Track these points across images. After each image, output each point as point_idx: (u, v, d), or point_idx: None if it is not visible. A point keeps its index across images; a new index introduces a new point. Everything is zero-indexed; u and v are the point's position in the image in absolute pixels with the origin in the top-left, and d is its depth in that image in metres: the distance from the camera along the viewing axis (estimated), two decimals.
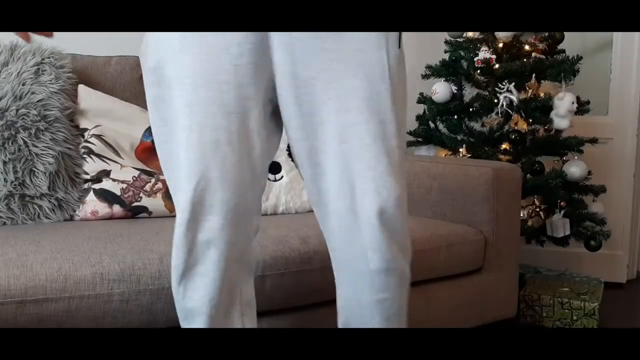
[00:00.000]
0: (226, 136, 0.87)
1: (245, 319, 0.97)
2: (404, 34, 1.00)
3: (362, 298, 0.98)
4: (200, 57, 0.85)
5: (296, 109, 0.91)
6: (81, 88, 1.63)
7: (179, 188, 0.89)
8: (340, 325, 1.06)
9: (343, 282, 1.01)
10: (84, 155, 1.55)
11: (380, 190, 0.90)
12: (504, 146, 2.18)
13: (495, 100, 2.17)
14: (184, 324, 0.95)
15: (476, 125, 2.29)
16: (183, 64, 0.86)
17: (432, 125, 2.38)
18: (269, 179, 1.68)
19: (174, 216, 1.55)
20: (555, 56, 2.27)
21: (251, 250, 0.98)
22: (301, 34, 0.88)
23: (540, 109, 2.15)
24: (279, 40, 0.88)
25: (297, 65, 0.89)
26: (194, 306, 0.90)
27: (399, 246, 0.95)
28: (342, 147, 0.91)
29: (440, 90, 2.27)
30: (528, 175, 2.15)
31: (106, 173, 1.55)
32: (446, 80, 2.34)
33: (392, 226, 0.92)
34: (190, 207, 0.86)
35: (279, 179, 1.70)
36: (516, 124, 2.17)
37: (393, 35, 0.94)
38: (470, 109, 2.26)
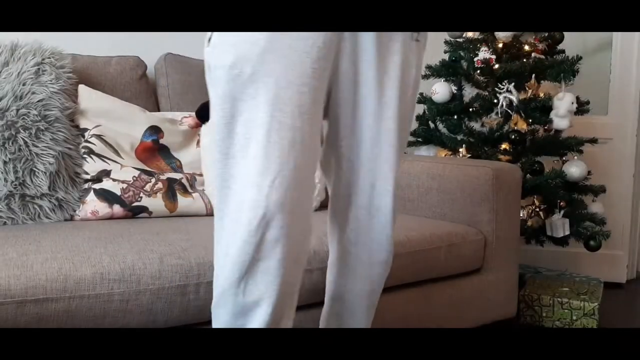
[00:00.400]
0: (300, 136, 0.90)
1: (287, 322, 0.99)
2: None
3: (355, 287, 1.11)
4: (284, 59, 0.89)
5: (347, 111, 1.01)
6: (81, 88, 1.63)
7: (248, 184, 0.89)
8: (325, 312, 1.17)
9: (340, 271, 1.12)
10: (84, 155, 1.55)
11: (394, 191, 1.04)
12: (503, 146, 2.18)
13: (495, 101, 2.17)
14: (237, 322, 0.94)
15: (476, 126, 2.29)
16: (267, 64, 0.88)
17: (432, 125, 2.38)
18: None
19: (174, 216, 1.56)
20: (555, 56, 2.27)
21: (305, 253, 1.01)
22: (366, 45, 0.96)
23: (540, 109, 2.15)
24: (349, 49, 0.96)
25: (357, 72, 0.98)
26: (255, 301, 0.92)
27: (393, 241, 1.10)
28: (374, 150, 1.02)
29: (440, 90, 2.27)
30: (528, 175, 2.15)
31: (106, 173, 1.55)
32: (446, 81, 2.34)
33: (394, 222, 1.07)
34: (265, 203, 0.88)
35: None
36: (516, 124, 2.17)
37: (423, 53, 1.06)
38: (470, 109, 2.26)
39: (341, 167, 1.06)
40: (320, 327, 1.20)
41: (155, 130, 1.66)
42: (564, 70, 2.14)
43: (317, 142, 0.96)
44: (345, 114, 1.01)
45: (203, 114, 1.71)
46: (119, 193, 1.51)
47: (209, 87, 0.96)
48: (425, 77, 2.37)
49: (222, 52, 0.91)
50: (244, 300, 0.92)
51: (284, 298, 0.94)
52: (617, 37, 2.66)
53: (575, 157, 2.25)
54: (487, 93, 2.23)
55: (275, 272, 0.91)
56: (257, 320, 0.92)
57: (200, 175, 1.69)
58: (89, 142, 1.57)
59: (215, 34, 0.93)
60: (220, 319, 0.96)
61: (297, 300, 1.02)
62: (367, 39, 0.96)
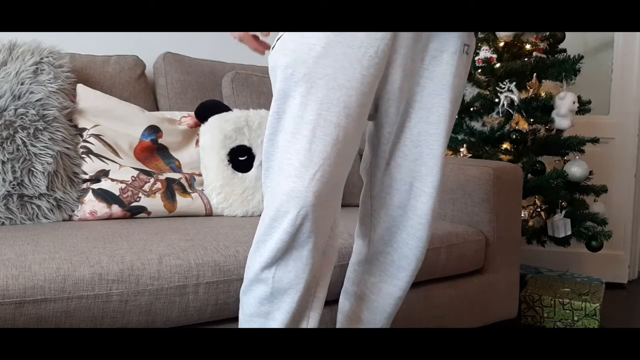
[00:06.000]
0: (343, 135, 0.95)
1: (311, 314, 1.02)
2: None
3: (384, 288, 1.15)
4: (337, 63, 0.95)
5: (393, 117, 1.05)
6: (80, 87, 1.62)
7: (290, 175, 0.93)
8: (346, 311, 1.20)
9: (370, 270, 1.16)
10: (83, 155, 1.55)
11: (433, 194, 1.07)
12: (504, 146, 2.17)
13: (496, 100, 2.16)
14: (262, 307, 0.98)
15: (477, 125, 2.29)
16: (320, 68, 0.94)
17: None
18: None
19: (173, 216, 1.55)
20: (556, 55, 2.27)
21: (332, 247, 1.04)
22: (416, 56, 1.02)
23: (541, 109, 2.15)
24: (400, 60, 1.00)
25: (403, 80, 1.02)
26: (283, 288, 0.96)
27: (425, 250, 1.12)
28: (413, 152, 1.07)
29: None
30: (529, 175, 2.15)
31: (105, 173, 1.54)
32: None
33: (430, 227, 1.10)
34: (305, 194, 0.92)
35: None
36: (517, 123, 2.17)
37: (470, 65, 1.10)
38: (471, 109, 2.25)
39: (378, 168, 1.11)
40: (337, 325, 1.23)
41: (154, 129, 1.65)
42: (566, 69, 2.14)
43: (357, 142, 1.01)
44: (390, 121, 1.06)
45: (202, 114, 1.71)
46: (117, 193, 1.51)
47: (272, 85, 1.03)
48: None
49: (281, 55, 0.98)
50: (273, 286, 0.96)
51: (310, 289, 0.99)
52: (619, 36, 2.65)
53: (577, 157, 2.25)
54: (488, 92, 2.22)
55: (305, 261, 0.95)
56: (283, 308, 0.97)
57: (199, 175, 1.68)
58: (88, 141, 1.56)
59: (279, 41, 1.00)
60: (247, 303, 1.00)
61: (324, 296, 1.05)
62: (418, 51, 1.01)
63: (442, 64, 1.03)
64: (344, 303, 1.21)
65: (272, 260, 0.95)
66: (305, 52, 0.95)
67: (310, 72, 0.94)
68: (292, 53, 0.96)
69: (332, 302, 1.28)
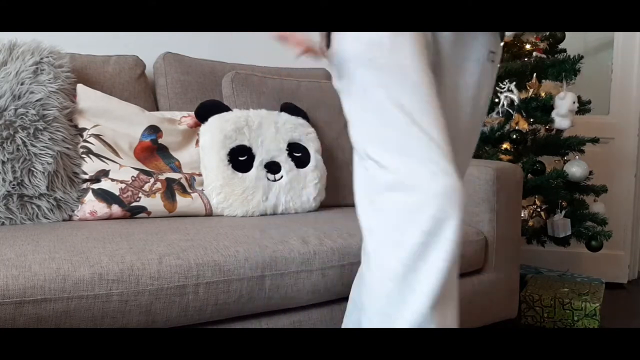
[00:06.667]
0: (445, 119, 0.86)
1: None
2: None
3: None
4: (410, 46, 0.88)
5: None
6: (80, 87, 1.62)
7: (435, 173, 0.80)
8: (346, 316, 1.16)
9: (360, 281, 1.09)
10: (83, 155, 1.55)
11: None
12: (504, 146, 2.17)
13: (496, 100, 2.16)
14: (397, 309, 0.84)
15: None
16: (397, 48, 0.87)
17: None
18: (268, 178, 1.68)
19: (173, 216, 1.55)
20: (556, 55, 2.27)
21: None
22: (441, 62, 0.95)
23: (541, 109, 2.15)
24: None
25: None
26: (450, 301, 0.82)
27: None
28: None
29: None
30: (529, 175, 2.15)
31: (105, 173, 1.54)
32: None
33: None
34: (461, 189, 0.79)
35: (279, 179, 1.69)
36: (517, 123, 2.17)
37: (496, 72, 1.03)
38: None
39: None
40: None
41: (154, 129, 1.65)
42: (565, 69, 2.14)
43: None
44: None
45: (202, 114, 1.71)
46: (117, 193, 1.51)
47: (341, 89, 0.91)
48: None
49: (350, 45, 0.88)
50: (412, 287, 0.80)
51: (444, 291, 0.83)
52: (619, 36, 2.66)
53: (577, 157, 2.25)
54: None
55: (457, 272, 0.80)
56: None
57: (199, 175, 1.68)
58: (88, 141, 1.56)
59: (337, 35, 0.91)
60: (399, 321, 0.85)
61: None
62: (451, 57, 0.95)
63: (466, 74, 0.95)
64: (349, 308, 1.19)
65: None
66: (378, 35, 0.85)
67: (389, 57, 0.84)
68: (365, 40, 0.86)
69: (331, 302, 1.29)
